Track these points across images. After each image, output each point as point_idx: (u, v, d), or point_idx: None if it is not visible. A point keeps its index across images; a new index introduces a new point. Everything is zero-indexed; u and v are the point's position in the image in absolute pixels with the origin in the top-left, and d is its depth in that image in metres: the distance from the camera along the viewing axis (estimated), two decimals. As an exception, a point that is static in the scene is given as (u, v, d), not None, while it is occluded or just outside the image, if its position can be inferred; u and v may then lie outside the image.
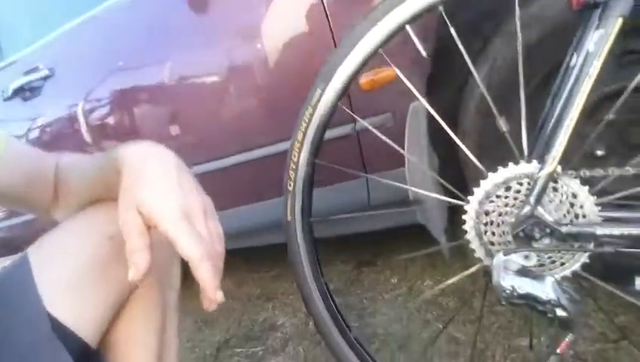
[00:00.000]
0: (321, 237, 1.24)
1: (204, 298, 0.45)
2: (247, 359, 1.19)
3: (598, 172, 0.58)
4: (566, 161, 0.61)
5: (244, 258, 1.80)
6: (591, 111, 0.93)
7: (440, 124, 0.79)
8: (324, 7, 0.99)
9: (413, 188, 1.00)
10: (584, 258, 0.61)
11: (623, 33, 0.86)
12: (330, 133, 1.09)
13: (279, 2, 1.08)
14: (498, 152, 0.69)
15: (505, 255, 0.57)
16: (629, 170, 0.57)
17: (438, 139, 1.03)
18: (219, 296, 0.44)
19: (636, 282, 0.69)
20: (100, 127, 1.35)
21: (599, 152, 0.95)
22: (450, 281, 0.73)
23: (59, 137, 1.42)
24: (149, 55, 1.24)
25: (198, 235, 0.44)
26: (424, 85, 1.03)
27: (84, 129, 1.36)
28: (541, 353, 0.80)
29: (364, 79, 1.01)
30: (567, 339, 0.59)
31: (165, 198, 0.45)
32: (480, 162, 0.68)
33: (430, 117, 1.11)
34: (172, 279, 0.69)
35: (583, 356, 0.86)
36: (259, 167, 1.21)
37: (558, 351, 0.60)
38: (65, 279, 0.54)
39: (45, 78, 1.35)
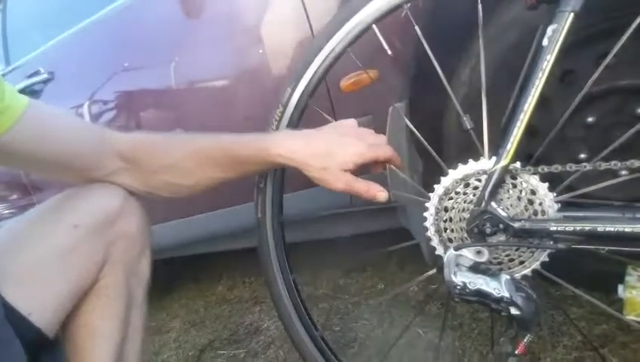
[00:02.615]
0: (308, 241, 1.26)
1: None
2: (229, 361, 1.19)
3: (556, 168, 0.57)
4: (539, 161, 0.59)
5: (238, 262, 1.81)
6: (576, 113, 0.92)
7: (420, 125, 0.80)
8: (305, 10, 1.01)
9: (392, 190, 1.00)
10: (544, 256, 0.59)
11: (603, 35, 0.86)
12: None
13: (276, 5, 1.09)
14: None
15: (455, 250, 0.56)
16: (586, 166, 0.56)
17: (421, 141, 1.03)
18: None
19: (619, 290, 0.67)
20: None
21: (582, 155, 0.93)
22: (411, 283, 0.72)
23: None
24: (152, 57, 1.26)
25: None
26: (408, 86, 1.03)
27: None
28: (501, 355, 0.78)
29: (345, 81, 1.02)
30: (524, 340, 0.58)
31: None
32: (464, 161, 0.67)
33: (413, 118, 1.11)
34: (140, 273, 0.69)
35: (561, 364, 0.83)
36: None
37: (516, 351, 0.59)
38: (23, 265, 0.54)
39: (45, 82, 1.39)
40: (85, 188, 0.62)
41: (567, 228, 0.53)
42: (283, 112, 0.78)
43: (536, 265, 0.60)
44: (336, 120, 1.06)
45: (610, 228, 0.51)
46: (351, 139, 0.63)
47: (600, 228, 0.51)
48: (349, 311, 1.22)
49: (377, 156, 0.63)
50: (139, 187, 0.66)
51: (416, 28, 0.70)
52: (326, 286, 1.40)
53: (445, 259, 0.56)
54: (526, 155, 0.66)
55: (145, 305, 0.71)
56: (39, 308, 0.55)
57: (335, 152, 0.61)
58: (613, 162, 0.54)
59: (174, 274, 1.91)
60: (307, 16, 1.01)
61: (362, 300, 1.25)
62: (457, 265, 0.56)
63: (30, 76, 1.41)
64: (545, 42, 0.55)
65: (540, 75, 0.55)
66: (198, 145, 0.64)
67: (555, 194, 0.58)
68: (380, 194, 0.63)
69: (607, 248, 0.55)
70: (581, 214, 0.56)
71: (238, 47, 1.17)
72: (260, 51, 1.13)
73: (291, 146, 0.62)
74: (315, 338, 0.77)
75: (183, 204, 1.41)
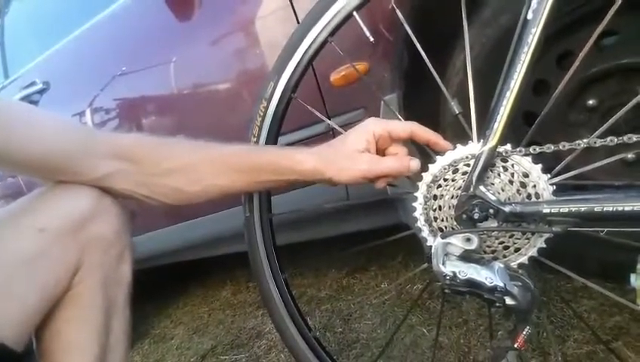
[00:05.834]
0: (310, 243, 1.23)
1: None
2: (230, 366, 1.16)
3: (549, 147, 0.54)
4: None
5: (243, 266, 1.78)
6: (573, 97, 0.88)
7: (416, 118, 0.76)
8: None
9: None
10: (540, 242, 0.56)
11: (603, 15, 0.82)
12: (306, 132, 1.10)
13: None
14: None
15: (443, 238, 0.53)
16: (580, 144, 0.52)
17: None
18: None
19: (631, 279, 0.63)
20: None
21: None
22: (399, 280, 0.69)
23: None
24: (143, 61, 1.23)
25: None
26: (400, 78, 1.00)
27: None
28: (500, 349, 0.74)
29: (334, 75, 0.99)
30: (524, 333, 0.55)
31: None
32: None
33: (409, 110, 1.07)
34: (120, 277, 0.63)
35: (571, 358, 0.79)
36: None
37: (515, 345, 0.55)
38: None
39: (41, 92, 1.40)
40: (53, 188, 0.59)
41: (561, 210, 0.50)
42: (267, 107, 0.76)
43: (532, 251, 0.56)
44: (327, 115, 1.04)
45: (609, 207, 0.47)
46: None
47: (597, 208, 0.48)
48: (352, 311, 1.19)
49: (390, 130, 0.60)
50: (138, 190, 0.61)
51: (399, 13, 0.67)
52: (329, 288, 1.37)
53: (433, 248, 0.53)
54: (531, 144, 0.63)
55: (127, 311, 0.66)
56: (3, 319, 0.51)
57: (346, 136, 0.60)
58: (609, 138, 0.51)
59: (180, 280, 1.90)
60: (292, 7, 0.99)
61: (365, 300, 1.21)
62: (446, 254, 0.53)
63: (26, 87, 1.42)
64: (529, 15, 0.52)
65: (526, 49, 0.52)
66: (214, 151, 0.62)
67: (549, 176, 0.55)
68: (413, 163, 0.58)
69: (605, 229, 0.51)
70: (578, 196, 0.53)
71: (235, 44, 1.15)
72: (257, 51, 1.11)
73: (311, 150, 0.62)
74: (309, 339, 0.74)
75: (186, 208, 1.40)
